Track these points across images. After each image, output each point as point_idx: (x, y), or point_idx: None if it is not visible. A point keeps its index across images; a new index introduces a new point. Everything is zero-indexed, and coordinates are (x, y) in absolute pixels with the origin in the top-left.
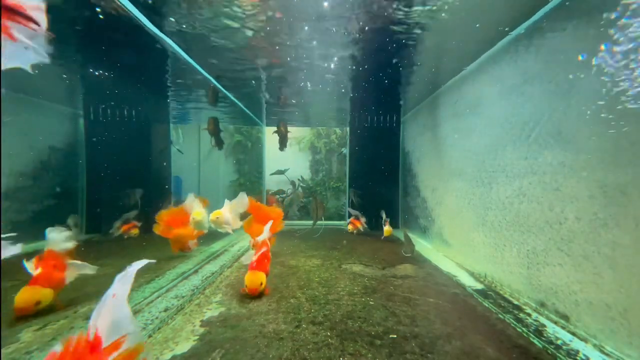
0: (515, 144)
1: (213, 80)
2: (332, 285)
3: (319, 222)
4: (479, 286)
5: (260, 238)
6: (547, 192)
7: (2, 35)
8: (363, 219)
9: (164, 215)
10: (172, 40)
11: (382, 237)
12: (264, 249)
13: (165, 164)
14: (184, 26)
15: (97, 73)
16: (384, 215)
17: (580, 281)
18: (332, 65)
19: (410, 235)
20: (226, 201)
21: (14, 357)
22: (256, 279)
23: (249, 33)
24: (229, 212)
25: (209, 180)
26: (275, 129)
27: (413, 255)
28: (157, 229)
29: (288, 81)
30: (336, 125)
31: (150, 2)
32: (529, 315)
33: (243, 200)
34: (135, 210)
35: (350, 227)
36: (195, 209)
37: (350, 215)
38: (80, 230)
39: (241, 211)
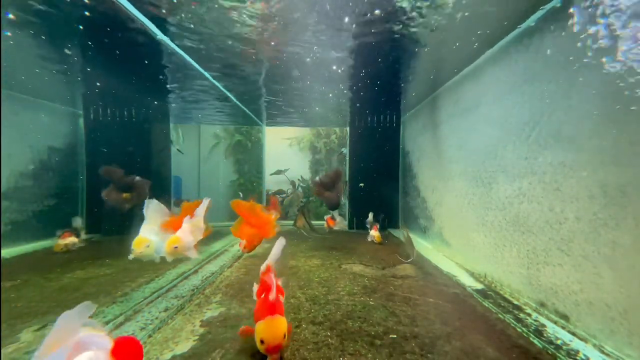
0: (515, 144)
1: (215, 83)
2: (332, 285)
3: (304, 229)
4: (479, 286)
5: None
6: (547, 192)
7: None
8: (339, 219)
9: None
10: (172, 40)
11: (370, 241)
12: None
13: (165, 164)
14: (184, 25)
15: (96, 73)
16: (371, 218)
17: (580, 281)
18: (332, 65)
19: (411, 235)
20: (185, 221)
21: (14, 357)
22: (278, 329)
23: (249, 31)
24: (190, 234)
25: (208, 180)
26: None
27: (414, 259)
28: None
29: (288, 80)
30: (336, 125)
31: (149, 1)
32: (529, 315)
33: (204, 207)
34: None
35: (327, 225)
36: (141, 233)
37: (350, 215)
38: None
39: (201, 226)
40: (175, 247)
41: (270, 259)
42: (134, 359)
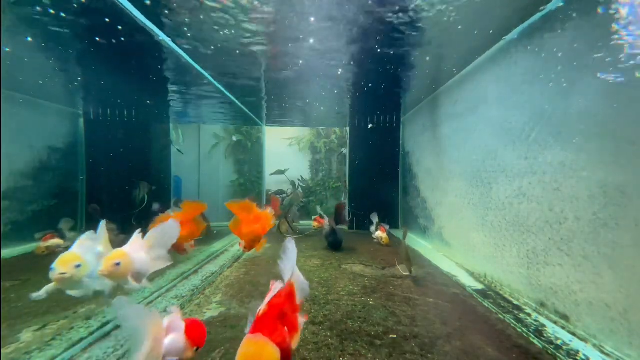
0: (515, 144)
1: (215, 83)
2: (332, 286)
3: (287, 234)
4: (479, 286)
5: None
6: (547, 192)
7: None
8: (326, 219)
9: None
10: (172, 41)
11: (376, 242)
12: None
13: (165, 164)
14: (184, 27)
15: (97, 73)
16: (376, 219)
17: (580, 281)
18: (332, 66)
19: (410, 235)
20: (135, 235)
21: (14, 357)
22: (256, 356)
23: (250, 32)
24: (143, 253)
25: (208, 180)
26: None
27: (412, 274)
28: None
29: (288, 81)
30: (336, 125)
31: (149, 2)
32: (529, 315)
33: (170, 231)
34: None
35: (315, 224)
36: (70, 251)
37: (349, 215)
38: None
39: (169, 243)
40: (117, 264)
41: (288, 269)
42: (202, 337)
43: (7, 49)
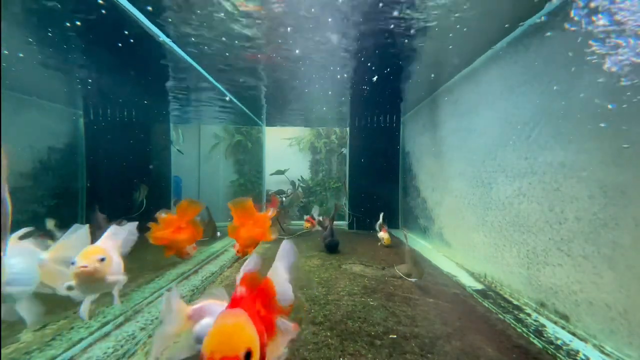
0: (515, 144)
1: (215, 83)
2: (332, 286)
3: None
4: (479, 286)
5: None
6: (547, 192)
7: None
8: (318, 219)
9: (157, 223)
10: (172, 41)
11: (380, 244)
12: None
13: (165, 164)
14: (185, 28)
15: (97, 73)
16: (380, 220)
17: (580, 281)
18: (332, 65)
19: (410, 235)
20: (108, 232)
21: (14, 357)
22: (228, 339)
23: (249, 32)
24: (115, 252)
25: (208, 180)
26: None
27: (421, 279)
28: (152, 239)
29: (288, 81)
30: (336, 125)
31: (149, 5)
32: (529, 315)
33: (124, 234)
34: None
35: (307, 224)
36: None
37: (349, 216)
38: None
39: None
40: (102, 260)
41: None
42: None
43: (6, 52)
